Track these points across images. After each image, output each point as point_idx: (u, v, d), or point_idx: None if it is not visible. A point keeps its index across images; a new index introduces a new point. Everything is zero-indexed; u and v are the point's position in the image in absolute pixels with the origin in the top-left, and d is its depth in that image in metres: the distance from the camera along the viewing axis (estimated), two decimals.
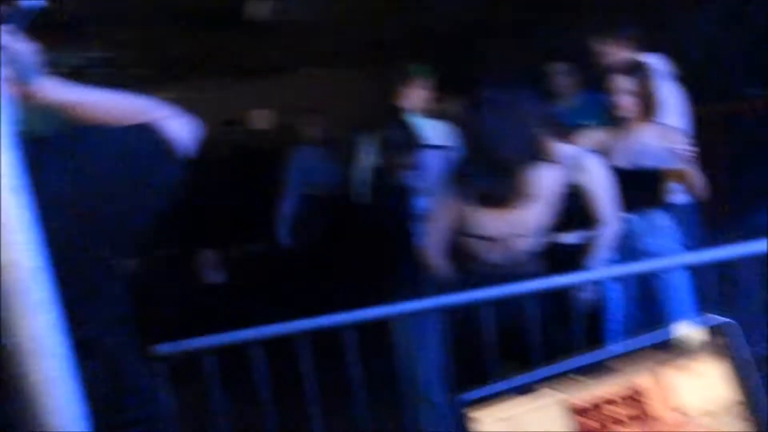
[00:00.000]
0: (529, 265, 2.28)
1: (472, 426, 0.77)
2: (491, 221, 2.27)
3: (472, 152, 2.30)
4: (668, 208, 2.76)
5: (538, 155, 2.21)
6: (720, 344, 0.82)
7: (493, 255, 2.31)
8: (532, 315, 1.89)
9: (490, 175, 2.20)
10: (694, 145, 2.75)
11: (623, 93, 2.65)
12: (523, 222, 2.27)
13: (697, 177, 2.65)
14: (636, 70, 2.70)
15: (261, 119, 6.90)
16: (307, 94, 6.09)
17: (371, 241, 2.93)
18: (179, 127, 1.17)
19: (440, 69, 3.29)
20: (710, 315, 0.83)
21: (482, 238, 2.30)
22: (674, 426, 0.81)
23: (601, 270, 2.19)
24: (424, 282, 2.45)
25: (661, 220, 2.74)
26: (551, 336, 1.92)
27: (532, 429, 0.79)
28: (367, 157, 3.09)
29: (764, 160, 3.52)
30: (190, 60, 5.85)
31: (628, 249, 2.53)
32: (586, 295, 2.20)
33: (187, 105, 1.27)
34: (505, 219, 2.26)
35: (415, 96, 3.20)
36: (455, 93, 3.35)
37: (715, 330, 0.83)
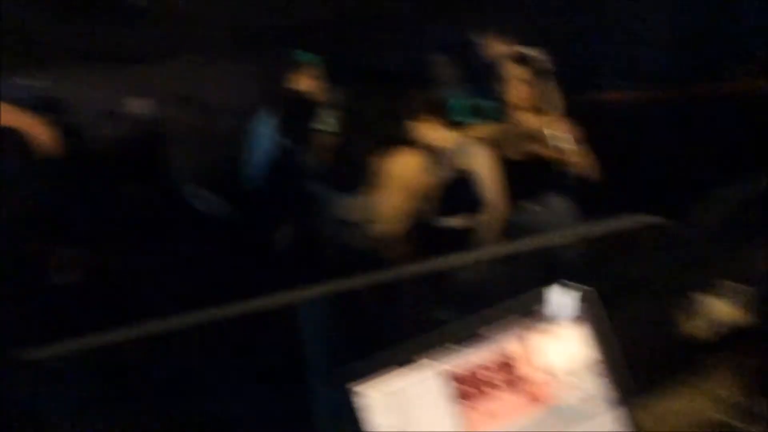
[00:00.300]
0: (396, 249, 2.35)
1: (357, 400, 0.80)
2: (351, 207, 2.34)
3: (343, 139, 2.35)
4: (557, 192, 2.91)
5: (401, 143, 2.30)
6: (581, 310, 0.90)
7: (357, 240, 2.38)
8: (408, 298, 1.95)
9: (351, 162, 2.26)
10: (577, 132, 2.94)
11: (514, 81, 2.77)
12: (382, 207, 2.35)
13: (584, 162, 2.82)
14: (525, 60, 2.84)
15: (141, 108, 6.54)
16: (190, 82, 5.86)
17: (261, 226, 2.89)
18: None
19: (324, 58, 3.29)
20: (571, 283, 0.91)
21: (345, 223, 2.36)
22: (542, 386, 0.88)
23: (478, 251, 2.29)
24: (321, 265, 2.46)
25: (551, 204, 2.89)
26: (433, 317, 2.00)
27: (415, 398, 0.82)
28: (262, 141, 3.03)
29: (635, 147, 3.85)
30: (65, 47, 5.44)
31: (519, 231, 2.66)
32: (464, 275, 2.31)
33: (63, 94, 1.19)
34: (365, 204, 2.34)
35: (303, 84, 3.18)
36: (338, 82, 3.36)
37: (576, 297, 0.90)
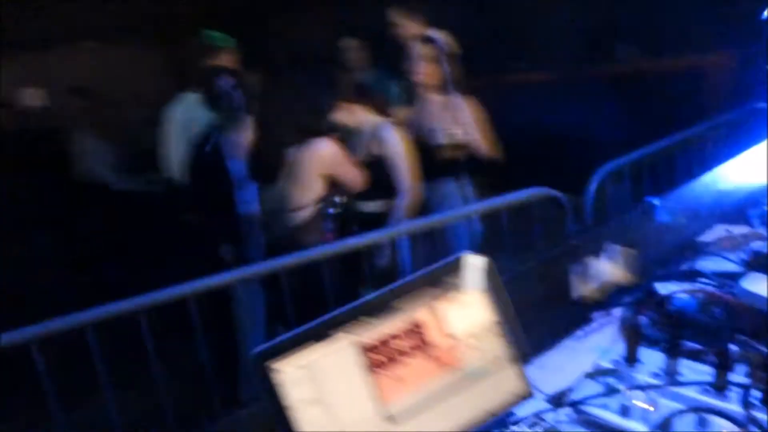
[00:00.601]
0: (308, 235, 2.38)
1: (273, 376, 0.83)
2: (264, 195, 2.36)
3: (260, 125, 2.35)
4: (460, 174, 3.02)
5: (312, 132, 2.33)
6: (482, 278, 0.98)
7: (270, 227, 2.40)
8: (328, 278, 1.98)
9: (262, 151, 2.28)
10: (480, 112, 3.04)
11: (421, 61, 2.83)
12: (291, 195, 2.38)
13: (485, 141, 2.93)
14: (430, 41, 2.90)
15: (33, 99, 6.14)
16: (88, 70, 5.57)
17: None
18: None
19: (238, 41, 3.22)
20: (473, 254, 0.98)
21: (266, 209, 2.38)
22: (448, 349, 0.94)
23: (390, 230, 2.34)
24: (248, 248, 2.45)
25: (452, 186, 2.99)
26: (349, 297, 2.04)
27: (330, 370, 0.87)
28: (178, 128, 2.92)
29: (536, 126, 4.05)
30: None
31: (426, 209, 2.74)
32: (382, 261, 2.38)
33: None
34: (276, 192, 2.37)
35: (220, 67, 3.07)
36: (252, 67, 3.31)
37: (477, 266, 0.98)
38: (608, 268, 1.32)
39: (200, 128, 2.56)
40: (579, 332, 1.21)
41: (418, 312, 0.93)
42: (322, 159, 2.36)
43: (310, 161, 2.35)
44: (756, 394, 0.90)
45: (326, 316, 0.87)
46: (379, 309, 0.91)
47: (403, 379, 0.91)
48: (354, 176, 2.43)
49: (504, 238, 2.08)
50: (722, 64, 3.75)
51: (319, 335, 0.87)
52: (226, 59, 3.01)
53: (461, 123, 2.90)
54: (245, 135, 2.45)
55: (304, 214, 2.38)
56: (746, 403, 0.89)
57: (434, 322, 0.94)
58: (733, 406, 0.90)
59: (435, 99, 2.93)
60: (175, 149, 2.93)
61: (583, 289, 1.28)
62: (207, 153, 2.49)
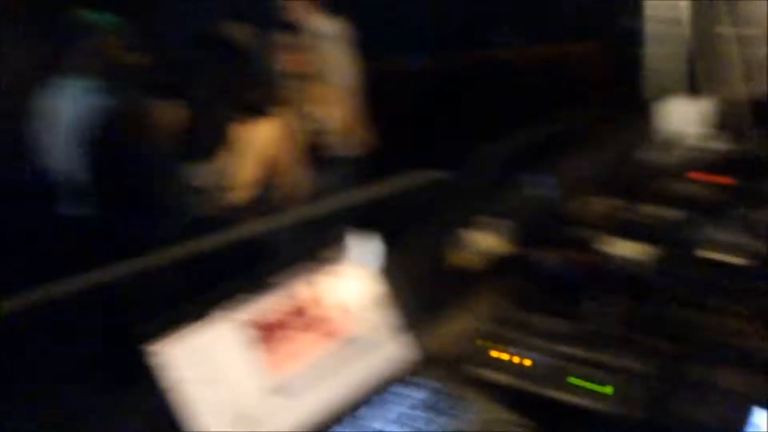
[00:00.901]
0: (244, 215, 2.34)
1: (156, 360, 0.81)
2: (199, 173, 2.27)
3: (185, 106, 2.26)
4: (336, 162, 3.04)
5: (251, 111, 2.27)
6: (362, 249, 1.01)
7: (204, 207, 2.32)
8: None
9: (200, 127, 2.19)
10: (365, 102, 3.08)
11: (288, 50, 2.81)
12: (231, 173, 2.32)
13: (360, 132, 2.98)
14: (292, 28, 2.88)
15: None
16: None
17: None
18: None
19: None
20: (352, 227, 1.01)
21: (192, 190, 2.29)
22: (335, 322, 0.97)
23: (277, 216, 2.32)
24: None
25: (331, 174, 3.00)
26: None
27: (215, 350, 0.86)
28: (63, 114, 2.70)
29: (418, 111, 4.17)
30: None
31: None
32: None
33: None
34: (213, 170, 2.29)
35: (107, 50, 2.84)
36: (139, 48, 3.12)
37: (357, 238, 1.00)
38: (489, 240, 1.40)
39: (91, 117, 2.39)
40: (460, 300, 1.28)
41: (303, 287, 0.95)
42: (263, 139, 2.30)
43: (251, 141, 2.27)
44: (622, 344, 1.00)
45: (210, 296, 0.86)
46: (263, 286, 0.92)
47: (290, 353, 0.92)
48: (292, 161, 2.39)
49: (387, 219, 2.14)
50: (597, 51, 4.04)
51: (201, 315, 0.86)
52: (111, 41, 2.81)
53: (332, 110, 2.91)
54: (149, 117, 2.33)
55: (239, 194, 2.32)
56: (607, 352, 0.98)
57: (320, 296, 0.96)
58: (602, 356, 0.98)
59: (313, 88, 2.92)
60: (59, 141, 2.71)
61: (462, 260, 1.35)
62: (107, 141, 2.35)
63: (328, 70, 3.03)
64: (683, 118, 2.08)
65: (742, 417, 0.82)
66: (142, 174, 2.39)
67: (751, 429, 0.81)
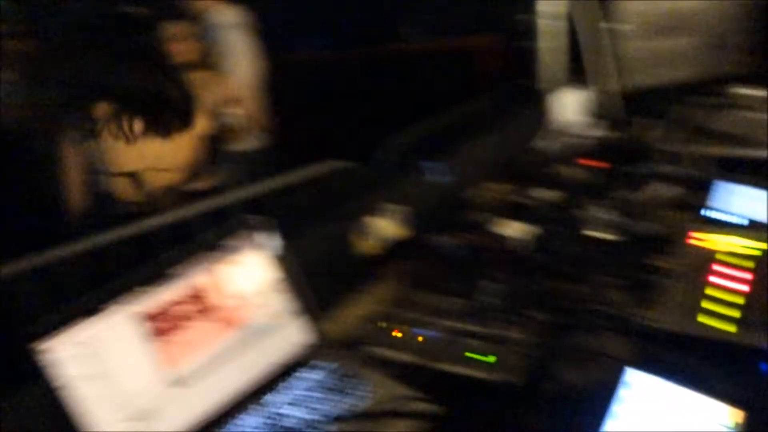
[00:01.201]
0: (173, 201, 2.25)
1: (43, 357, 0.79)
2: (128, 156, 2.17)
3: None
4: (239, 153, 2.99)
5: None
6: (260, 237, 1.02)
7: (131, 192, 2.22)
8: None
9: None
10: (269, 93, 3.04)
11: (176, 39, 2.72)
12: (164, 156, 2.23)
13: (264, 123, 2.93)
14: (198, 17, 2.80)
15: None
16: None
17: None
18: None
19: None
20: (249, 215, 1.01)
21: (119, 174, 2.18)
22: (233, 310, 0.97)
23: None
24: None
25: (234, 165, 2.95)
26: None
27: (108, 344, 0.84)
28: None
29: (326, 103, 4.17)
30: None
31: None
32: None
33: None
34: (145, 153, 2.18)
35: None
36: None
37: (256, 226, 1.01)
38: (388, 226, 1.44)
39: None
40: (369, 286, 1.31)
41: (199, 276, 0.95)
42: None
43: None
44: (507, 317, 1.06)
45: (100, 290, 0.84)
46: (157, 277, 0.91)
47: (189, 343, 0.91)
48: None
49: (292, 208, 2.15)
50: (495, 44, 4.19)
51: (93, 309, 0.84)
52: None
53: (233, 101, 2.86)
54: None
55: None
56: (495, 326, 1.05)
57: (216, 284, 0.96)
58: (489, 328, 1.05)
59: (201, 78, 2.85)
60: None
61: (367, 246, 1.39)
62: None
63: (228, 61, 2.97)
64: (570, 108, 2.23)
65: (616, 377, 0.91)
66: (27, 166, 2.26)
67: (623, 387, 0.89)
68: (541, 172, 1.78)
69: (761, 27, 2.30)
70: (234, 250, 0.98)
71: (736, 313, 0.94)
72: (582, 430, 0.80)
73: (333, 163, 2.24)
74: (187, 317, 0.92)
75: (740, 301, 0.97)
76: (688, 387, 0.82)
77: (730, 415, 0.76)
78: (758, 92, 1.80)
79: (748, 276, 1.03)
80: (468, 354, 0.98)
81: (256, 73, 3.28)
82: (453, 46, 4.35)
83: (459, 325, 1.05)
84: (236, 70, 2.97)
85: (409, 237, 1.41)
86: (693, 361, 0.88)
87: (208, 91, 2.72)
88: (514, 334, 1.00)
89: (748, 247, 1.10)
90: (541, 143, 2.08)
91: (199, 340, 0.93)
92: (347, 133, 3.43)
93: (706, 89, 2.05)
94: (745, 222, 1.26)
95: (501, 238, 1.31)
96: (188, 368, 0.90)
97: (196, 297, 0.93)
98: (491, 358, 0.95)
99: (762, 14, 2.50)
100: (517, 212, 1.47)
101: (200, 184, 2.64)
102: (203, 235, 0.96)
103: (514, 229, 1.33)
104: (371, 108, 3.73)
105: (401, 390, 0.93)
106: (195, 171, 2.59)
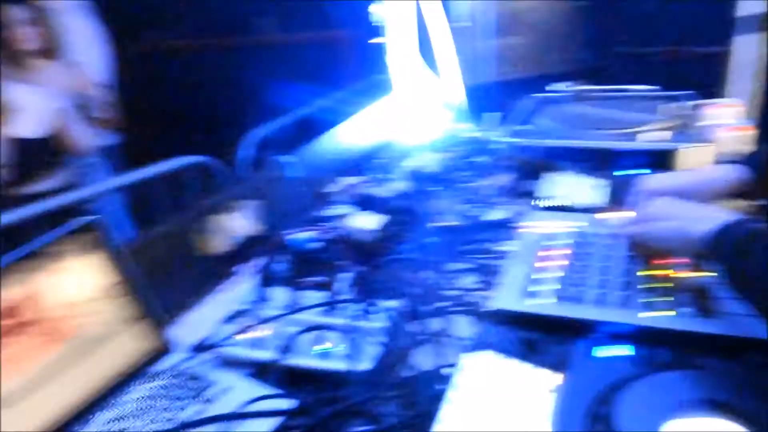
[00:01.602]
0: None
1: None
2: None
3: None
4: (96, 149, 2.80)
5: None
6: (91, 239, 0.94)
7: None
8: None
9: None
10: (121, 86, 2.84)
11: (18, 25, 2.48)
12: None
13: (112, 117, 2.74)
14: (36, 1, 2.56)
15: None
16: None
17: None
18: None
19: None
20: (79, 217, 0.94)
21: None
22: (60, 320, 0.89)
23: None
24: None
25: (89, 162, 2.76)
26: None
27: None
28: None
29: (186, 95, 3.99)
30: None
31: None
32: None
33: None
34: None
35: None
36: None
37: (85, 227, 0.94)
38: (240, 223, 1.40)
39: None
40: (220, 286, 1.27)
41: (20, 288, 0.86)
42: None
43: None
44: (357, 307, 1.08)
45: None
46: None
47: (12, 360, 0.83)
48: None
49: (153, 207, 2.04)
50: (349, 39, 4.23)
51: None
52: None
53: (77, 91, 2.68)
54: None
55: None
56: (346, 315, 1.06)
57: (35, 295, 0.88)
58: (340, 320, 1.06)
59: (47, 67, 2.63)
60: None
61: (218, 244, 1.34)
62: None
63: (73, 49, 2.74)
64: (422, 103, 2.31)
65: (456, 359, 0.95)
66: None
67: (460, 368, 0.93)
68: (391, 164, 1.84)
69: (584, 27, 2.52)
70: (58, 256, 0.90)
71: (557, 286, 1.03)
72: (422, 410, 0.83)
73: (192, 159, 2.14)
74: (5, 333, 0.83)
75: (560, 274, 1.06)
76: (519, 359, 0.88)
77: (552, 380, 0.83)
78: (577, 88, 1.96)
79: (568, 252, 1.13)
80: (320, 347, 0.98)
81: (105, 63, 3.08)
82: (312, 41, 4.35)
83: (312, 319, 1.05)
84: (83, 59, 2.75)
85: (266, 234, 1.38)
86: (522, 336, 0.95)
87: (51, 80, 2.50)
88: (364, 323, 1.02)
89: (568, 227, 1.21)
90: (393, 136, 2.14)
91: (21, 358, 0.84)
92: (206, 128, 3.30)
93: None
94: (570, 205, 1.38)
95: (351, 230, 1.33)
96: (7, 388, 0.82)
97: (16, 310, 0.85)
98: (341, 348, 0.96)
99: (585, 15, 2.74)
100: (364, 203, 1.50)
101: (38, 186, 2.41)
102: (23, 243, 0.87)
103: (363, 221, 1.36)
104: (231, 102, 3.63)
105: (257, 389, 0.91)
106: (28, 173, 2.36)
